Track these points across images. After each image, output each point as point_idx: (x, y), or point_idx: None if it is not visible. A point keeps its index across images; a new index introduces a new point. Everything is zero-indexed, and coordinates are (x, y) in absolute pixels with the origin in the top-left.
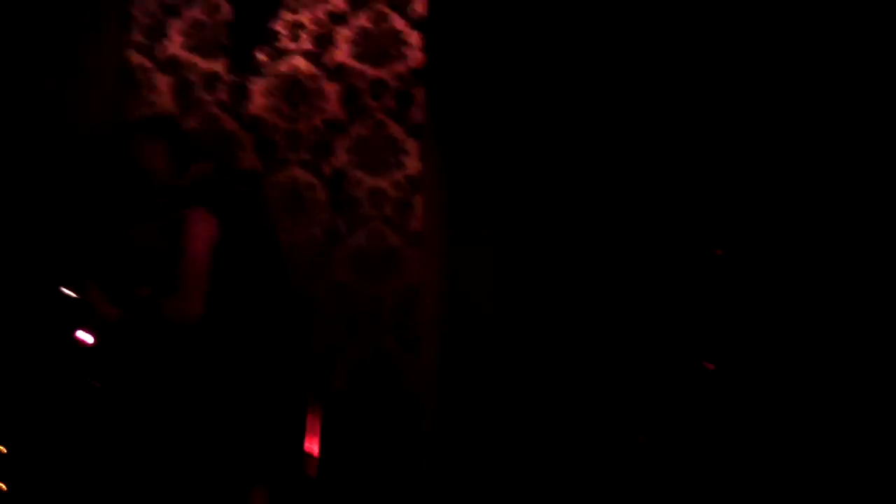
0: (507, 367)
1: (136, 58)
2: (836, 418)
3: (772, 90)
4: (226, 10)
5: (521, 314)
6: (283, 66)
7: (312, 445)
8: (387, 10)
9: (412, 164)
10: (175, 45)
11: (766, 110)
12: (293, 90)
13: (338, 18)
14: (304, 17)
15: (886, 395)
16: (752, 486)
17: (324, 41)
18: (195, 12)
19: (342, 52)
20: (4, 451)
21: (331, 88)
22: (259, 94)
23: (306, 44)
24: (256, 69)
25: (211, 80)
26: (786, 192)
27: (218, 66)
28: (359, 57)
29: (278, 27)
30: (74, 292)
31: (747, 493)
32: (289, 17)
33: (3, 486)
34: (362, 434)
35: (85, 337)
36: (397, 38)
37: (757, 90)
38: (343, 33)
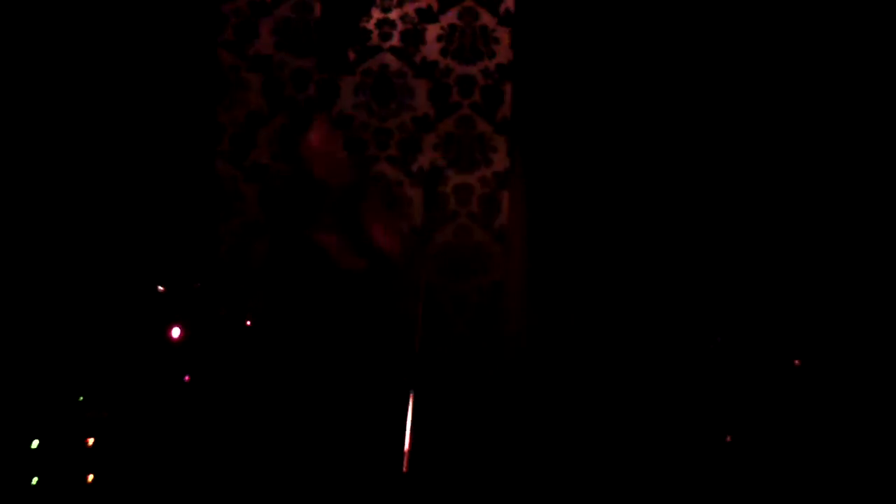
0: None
1: (227, 57)
2: None
3: None
4: (316, 9)
5: (595, 307)
6: (372, 64)
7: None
8: (476, 7)
9: (500, 161)
10: (265, 43)
11: None
12: (383, 87)
13: (428, 16)
14: (394, 15)
15: None
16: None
17: (413, 38)
18: (285, 10)
19: (432, 49)
20: None
21: (419, 85)
22: (348, 92)
23: (396, 41)
24: (347, 67)
25: (301, 77)
26: None
27: (308, 64)
28: (448, 54)
29: (369, 25)
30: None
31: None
32: (379, 14)
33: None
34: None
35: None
36: (486, 35)
37: None
38: (433, 30)
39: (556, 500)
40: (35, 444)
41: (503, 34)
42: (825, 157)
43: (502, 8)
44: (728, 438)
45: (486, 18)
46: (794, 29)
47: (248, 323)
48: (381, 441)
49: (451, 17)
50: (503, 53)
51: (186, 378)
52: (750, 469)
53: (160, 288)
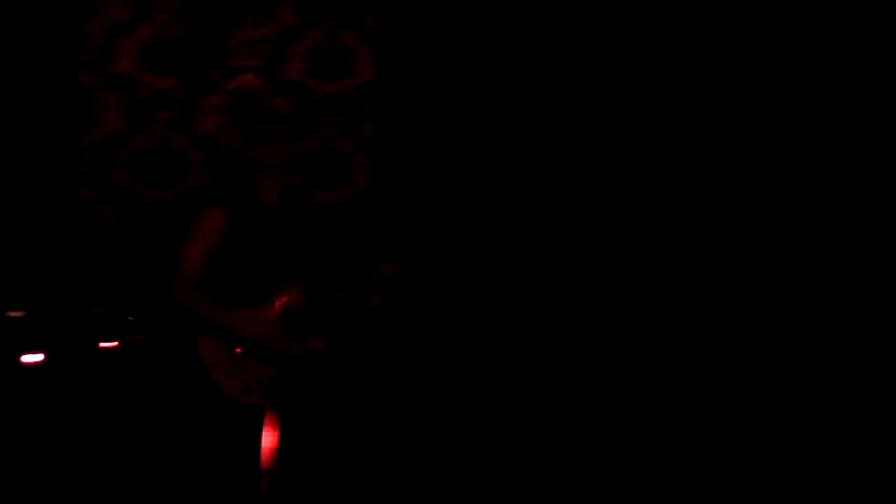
0: None
1: (86, 77)
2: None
3: None
4: (178, 28)
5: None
6: (235, 84)
7: None
8: (338, 27)
9: (361, 178)
10: (126, 63)
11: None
12: (245, 107)
13: (290, 35)
14: (257, 34)
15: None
16: None
17: (276, 57)
18: (147, 30)
19: (295, 69)
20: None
21: (282, 104)
22: (210, 113)
23: (259, 60)
24: (209, 86)
25: (163, 98)
26: None
27: (169, 84)
28: (311, 73)
29: (230, 44)
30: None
31: None
32: (242, 34)
33: None
34: None
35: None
36: (349, 55)
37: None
38: (296, 49)
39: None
40: None
41: (366, 53)
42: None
43: (367, 27)
44: None
45: (349, 38)
46: None
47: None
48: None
49: (315, 36)
50: (365, 72)
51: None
52: None
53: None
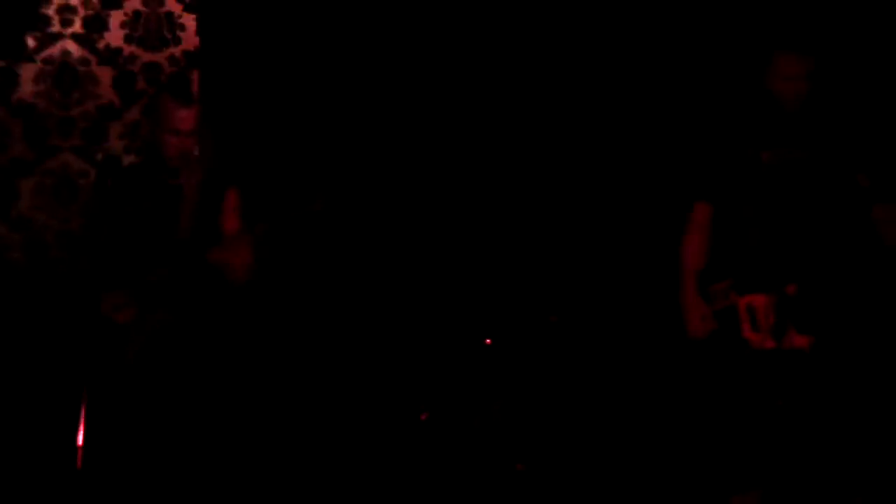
0: None
1: None
2: None
3: None
4: None
5: None
6: (53, 51)
7: None
8: None
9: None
10: None
11: None
12: (65, 76)
13: (111, 2)
14: (75, 1)
15: None
16: None
17: (96, 25)
18: None
19: (116, 36)
20: None
21: (104, 73)
22: (29, 81)
23: (78, 28)
24: (26, 55)
25: None
26: None
27: None
28: (133, 41)
29: (49, 11)
30: None
31: None
32: (59, 0)
33: None
34: None
35: None
36: (172, 22)
37: None
38: (117, 17)
39: None
40: None
41: (189, 21)
42: None
43: None
44: None
45: (172, 5)
46: None
47: None
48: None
49: (135, 3)
50: (190, 40)
51: None
52: None
53: None
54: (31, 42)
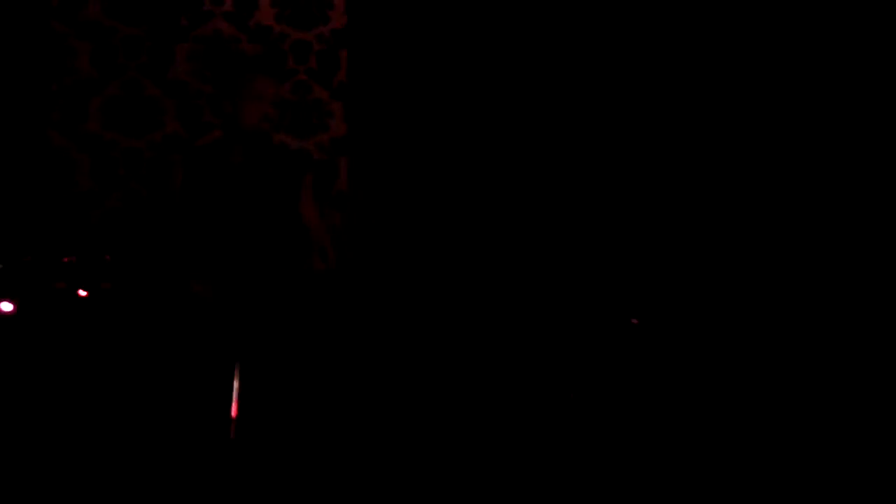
0: None
1: (57, 25)
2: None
3: None
4: None
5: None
6: (205, 30)
7: None
8: None
9: (337, 126)
10: (95, 10)
11: None
12: (216, 53)
13: None
14: None
15: None
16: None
17: (247, 3)
18: None
19: (266, 15)
20: None
21: (254, 51)
22: (182, 59)
23: (229, 6)
24: (179, 33)
25: (132, 44)
26: None
27: (139, 31)
28: (283, 19)
29: None
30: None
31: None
32: None
33: None
34: None
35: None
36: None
37: None
38: None
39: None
40: None
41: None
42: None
43: None
44: None
45: None
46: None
47: (83, 294)
48: (210, 406)
49: None
50: (338, 18)
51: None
52: None
53: None
54: (183, 21)
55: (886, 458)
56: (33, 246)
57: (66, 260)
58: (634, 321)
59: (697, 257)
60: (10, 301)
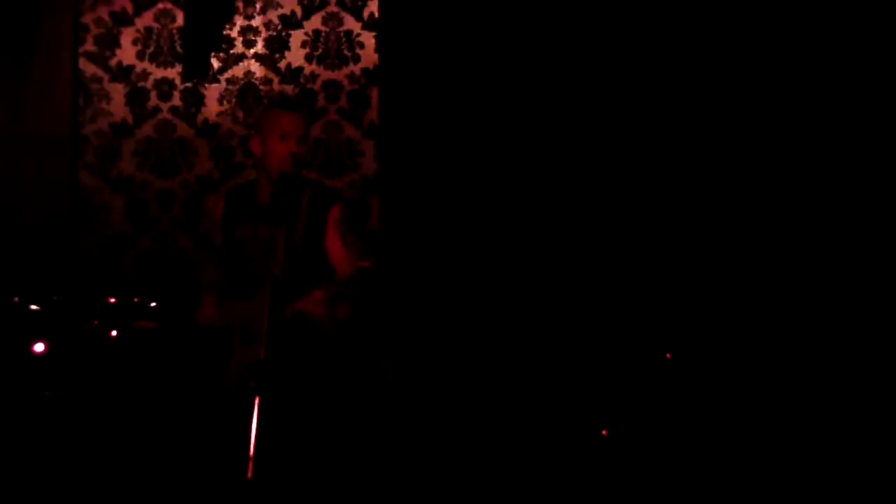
0: None
1: (89, 67)
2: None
3: None
4: (178, 18)
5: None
6: (237, 71)
7: None
8: (341, 13)
9: (368, 165)
10: (128, 53)
11: None
12: (248, 95)
13: (291, 22)
14: (258, 22)
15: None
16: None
17: (278, 45)
18: (147, 19)
19: (296, 56)
20: None
21: (284, 91)
22: (213, 100)
23: (260, 48)
24: (211, 75)
25: (165, 86)
26: None
27: (171, 73)
28: (313, 59)
29: (232, 33)
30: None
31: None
32: (243, 21)
33: None
34: None
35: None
36: (351, 40)
37: None
38: (297, 36)
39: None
40: None
41: (368, 39)
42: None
43: (366, 13)
44: None
45: (351, 23)
46: None
47: (114, 335)
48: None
49: (315, 22)
50: (368, 57)
51: (46, 393)
52: None
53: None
54: (215, 63)
55: None
56: (67, 287)
57: (98, 301)
58: (668, 356)
59: (735, 287)
60: (43, 342)
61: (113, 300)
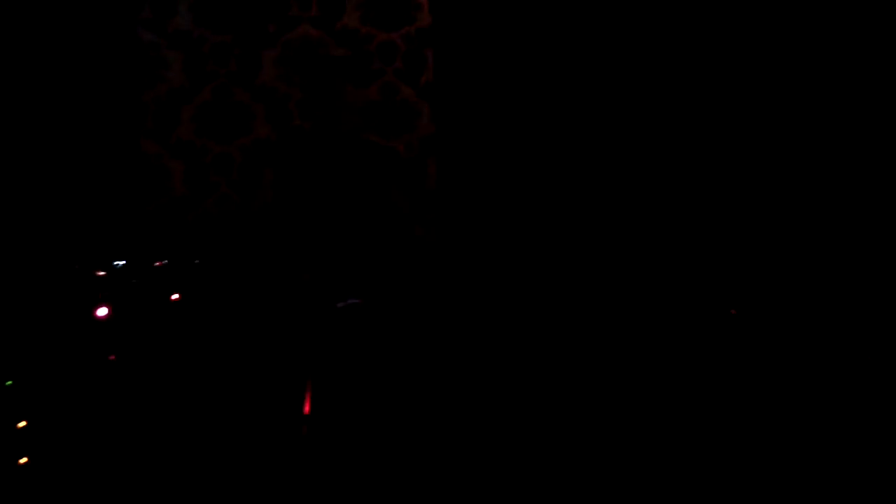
0: None
1: (147, 35)
2: None
3: None
4: None
5: None
6: (292, 35)
7: None
8: None
9: (424, 126)
10: (184, 20)
11: None
12: (304, 58)
13: None
14: None
15: None
16: None
17: (333, 7)
18: None
19: (352, 18)
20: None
21: (340, 53)
22: (269, 64)
23: (315, 11)
24: (267, 39)
25: (221, 52)
26: None
27: (227, 39)
28: (368, 21)
29: None
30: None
31: None
32: None
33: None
34: None
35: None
36: (406, 1)
37: None
38: None
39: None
40: None
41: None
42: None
43: None
44: None
45: None
46: None
47: (174, 298)
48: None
49: None
50: (423, 18)
51: (111, 357)
52: None
53: (87, 269)
54: (271, 27)
55: None
56: (129, 251)
57: (158, 264)
58: (733, 311)
59: (800, 246)
60: (106, 305)
61: (168, 263)
